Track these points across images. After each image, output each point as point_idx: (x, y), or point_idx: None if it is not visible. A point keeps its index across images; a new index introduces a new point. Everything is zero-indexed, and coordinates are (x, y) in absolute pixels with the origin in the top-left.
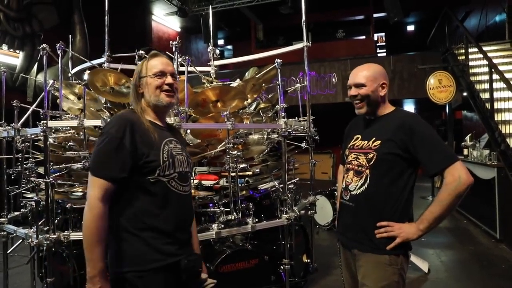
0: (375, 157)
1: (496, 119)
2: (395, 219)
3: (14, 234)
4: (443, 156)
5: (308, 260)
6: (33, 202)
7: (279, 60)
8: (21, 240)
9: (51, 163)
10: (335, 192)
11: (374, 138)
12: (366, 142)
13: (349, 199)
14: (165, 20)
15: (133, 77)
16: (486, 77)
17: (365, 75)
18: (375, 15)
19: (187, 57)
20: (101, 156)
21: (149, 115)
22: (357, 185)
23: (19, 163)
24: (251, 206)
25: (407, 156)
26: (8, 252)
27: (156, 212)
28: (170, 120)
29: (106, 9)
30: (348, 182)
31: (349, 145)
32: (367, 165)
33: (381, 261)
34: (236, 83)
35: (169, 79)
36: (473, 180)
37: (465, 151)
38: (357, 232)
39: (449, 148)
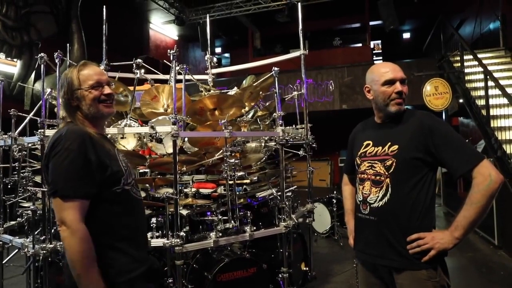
0: (394, 163)
1: (492, 125)
2: (422, 228)
3: (10, 244)
4: (469, 155)
5: (307, 268)
6: (29, 211)
7: (276, 68)
8: (17, 250)
9: None
10: (333, 200)
11: (390, 143)
12: (380, 148)
13: (369, 213)
14: (162, 29)
15: (62, 89)
16: (482, 84)
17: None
18: (371, 23)
19: (184, 66)
20: (70, 176)
21: (89, 127)
22: (378, 196)
23: (15, 172)
24: (249, 214)
25: (429, 160)
26: (3, 262)
27: (127, 223)
28: (167, 128)
29: (104, 18)
30: (365, 194)
31: (359, 153)
32: (386, 173)
33: (419, 277)
34: (233, 91)
35: (106, 89)
36: (503, 177)
37: None
38: (383, 248)
39: (472, 146)
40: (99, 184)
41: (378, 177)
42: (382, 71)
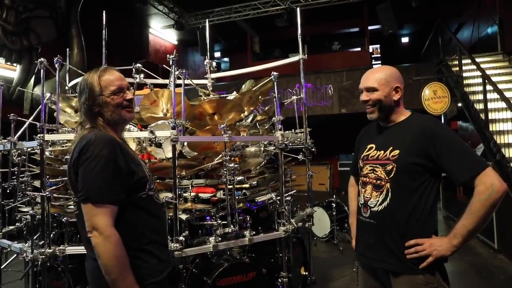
0: (395, 168)
1: (491, 129)
2: (421, 234)
3: (9, 249)
4: (472, 163)
5: (306, 273)
6: (28, 216)
7: (275, 73)
8: (15, 255)
9: (47, 177)
10: (333, 204)
11: (392, 148)
12: (382, 152)
13: (370, 216)
14: (162, 33)
15: (83, 95)
16: (480, 88)
17: (377, 78)
18: (370, 28)
19: (183, 70)
20: (102, 182)
21: (110, 132)
22: (378, 200)
23: (15, 177)
24: (248, 219)
25: (430, 166)
26: (2, 267)
27: (152, 226)
28: (167, 133)
29: (104, 22)
30: (366, 197)
31: (362, 156)
32: (387, 178)
33: (417, 282)
34: (232, 96)
35: (128, 95)
36: (507, 187)
37: None
38: (382, 251)
39: (476, 153)
40: (127, 190)
41: (379, 181)
42: None
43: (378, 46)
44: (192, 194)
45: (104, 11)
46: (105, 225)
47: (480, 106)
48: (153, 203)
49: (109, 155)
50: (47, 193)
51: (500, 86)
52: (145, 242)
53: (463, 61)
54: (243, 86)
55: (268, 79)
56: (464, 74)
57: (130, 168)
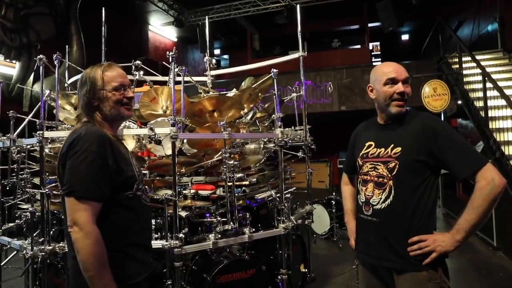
0: (397, 166)
1: (490, 127)
2: (424, 230)
3: (9, 246)
4: (473, 159)
5: (306, 270)
6: (28, 213)
7: (275, 70)
8: (15, 252)
9: (47, 174)
10: (332, 201)
11: (393, 145)
12: (382, 149)
13: (372, 214)
14: (161, 30)
15: (84, 88)
16: (480, 86)
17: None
18: (370, 25)
19: (183, 67)
20: (87, 177)
21: (106, 128)
22: (381, 198)
23: (14, 174)
24: (248, 216)
25: (432, 162)
26: (2, 264)
27: (135, 227)
28: (166, 130)
29: (103, 19)
30: (368, 195)
31: (361, 154)
32: (389, 175)
33: (420, 279)
34: (232, 93)
35: (129, 93)
36: (506, 181)
37: None
38: (384, 249)
39: (476, 149)
40: (113, 188)
41: (381, 179)
42: (385, 71)
43: (378, 43)
44: (192, 191)
45: (103, 8)
46: (86, 221)
47: (480, 103)
48: (140, 204)
49: (98, 150)
50: (47, 190)
51: (500, 84)
52: (127, 243)
53: (463, 59)
54: (243, 83)
55: (267, 76)
56: (464, 72)
57: (119, 166)
